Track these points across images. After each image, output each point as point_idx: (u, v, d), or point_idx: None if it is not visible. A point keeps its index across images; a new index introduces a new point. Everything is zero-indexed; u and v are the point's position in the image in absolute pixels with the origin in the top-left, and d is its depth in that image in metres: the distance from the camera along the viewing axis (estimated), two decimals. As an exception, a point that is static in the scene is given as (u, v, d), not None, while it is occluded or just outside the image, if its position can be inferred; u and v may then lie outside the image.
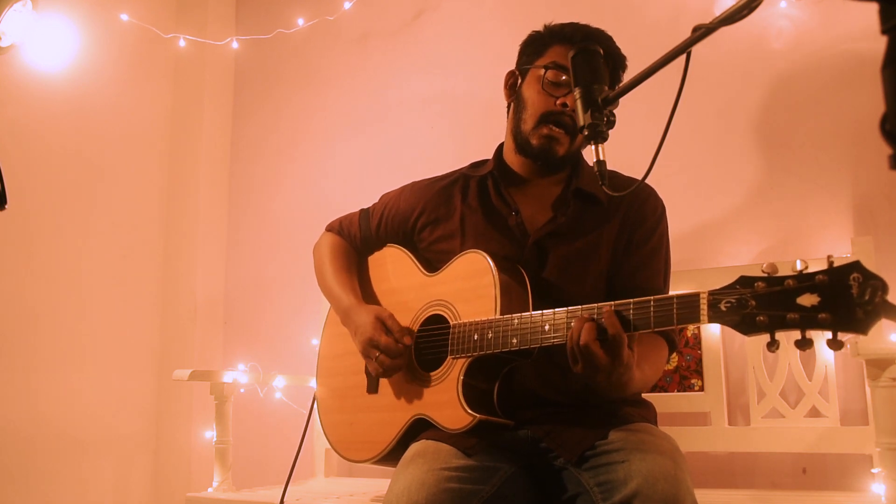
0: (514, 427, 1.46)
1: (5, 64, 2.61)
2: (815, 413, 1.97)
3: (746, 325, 1.10)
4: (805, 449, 1.96)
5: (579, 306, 1.32)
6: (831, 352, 1.99)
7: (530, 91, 1.59)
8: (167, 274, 3.13)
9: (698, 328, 2.13)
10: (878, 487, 1.71)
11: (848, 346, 1.80)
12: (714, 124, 2.32)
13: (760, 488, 2.09)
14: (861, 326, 0.99)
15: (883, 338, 1.87)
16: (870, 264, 1.22)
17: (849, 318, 1.00)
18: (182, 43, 3.11)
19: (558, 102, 1.54)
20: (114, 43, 3.00)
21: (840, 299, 1.01)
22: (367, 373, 1.68)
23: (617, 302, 1.27)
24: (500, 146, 1.71)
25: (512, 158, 1.66)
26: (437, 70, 2.84)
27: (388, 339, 1.55)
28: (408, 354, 1.58)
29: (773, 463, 2.10)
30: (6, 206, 1.29)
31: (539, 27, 1.65)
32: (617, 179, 1.59)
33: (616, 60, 1.57)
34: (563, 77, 1.55)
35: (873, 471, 1.79)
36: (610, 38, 1.59)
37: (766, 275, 1.09)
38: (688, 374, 2.13)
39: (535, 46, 1.63)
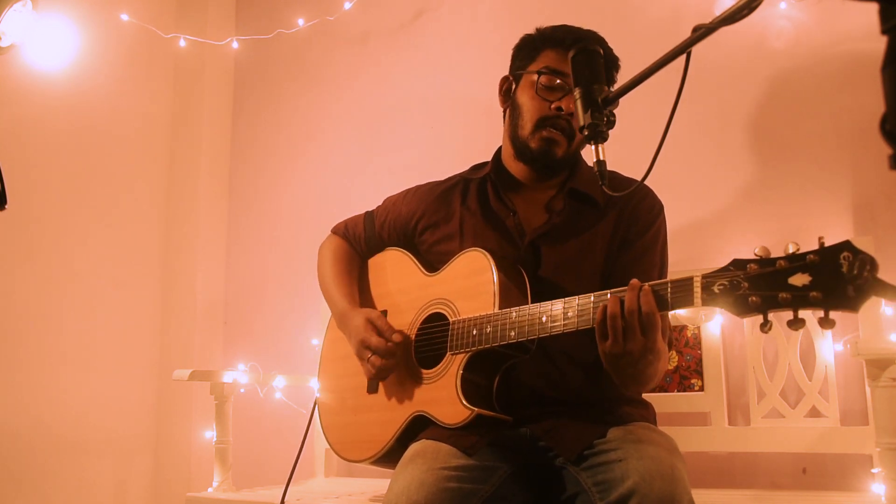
0: (513, 425, 1.47)
1: (5, 64, 2.60)
2: (815, 413, 1.97)
3: (739, 307, 1.11)
4: (805, 449, 1.97)
5: (576, 296, 1.33)
6: (831, 352, 1.99)
7: (525, 97, 1.59)
8: (167, 274, 3.12)
9: (698, 328, 2.13)
10: (878, 487, 1.71)
11: (848, 345, 1.80)
12: (714, 124, 2.32)
13: (760, 488, 2.09)
14: (852, 304, 1.00)
15: (883, 338, 1.87)
16: (870, 264, 1.21)
17: (840, 296, 1.01)
18: (182, 43, 3.11)
19: (553, 107, 1.55)
20: (114, 43, 3.00)
21: (831, 277, 1.02)
22: (368, 373, 1.68)
23: (614, 289, 1.28)
24: (499, 150, 1.71)
25: (510, 164, 1.67)
26: (438, 70, 2.84)
27: (378, 340, 1.57)
28: (400, 355, 1.58)
29: (773, 463, 2.10)
30: (6, 206, 1.29)
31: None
32: (616, 180, 1.59)
33: (608, 61, 1.57)
34: (558, 81, 1.55)
35: (873, 471, 1.79)
36: (602, 40, 1.58)
37: (758, 257, 1.10)
38: (688, 374, 2.13)
39: (527, 51, 1.63)
